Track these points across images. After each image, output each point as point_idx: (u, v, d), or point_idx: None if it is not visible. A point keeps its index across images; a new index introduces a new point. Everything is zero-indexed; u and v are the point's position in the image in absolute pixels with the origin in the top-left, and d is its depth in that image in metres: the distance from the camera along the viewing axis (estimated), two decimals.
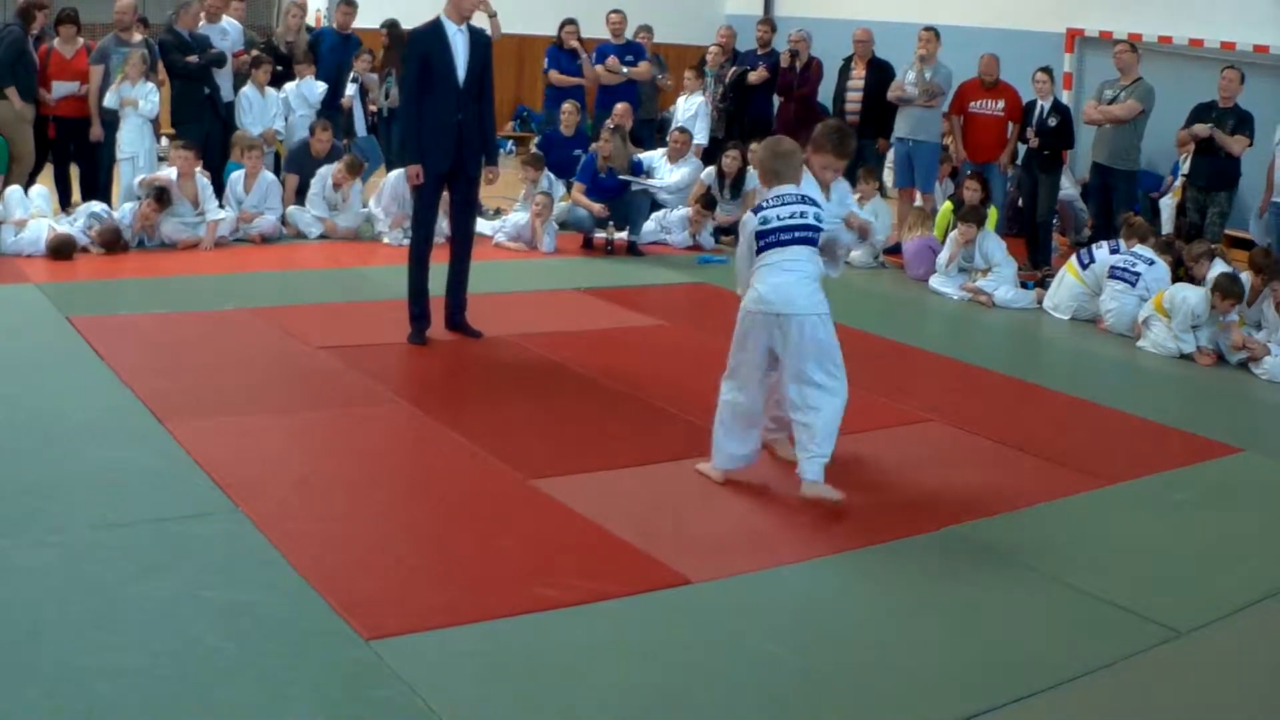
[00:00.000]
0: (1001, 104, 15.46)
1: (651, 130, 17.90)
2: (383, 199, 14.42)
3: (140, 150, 14.04)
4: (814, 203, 7.44)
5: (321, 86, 15.66)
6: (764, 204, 7.39)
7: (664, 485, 7.56)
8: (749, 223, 7.41)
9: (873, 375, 10.11)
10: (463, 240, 10.69)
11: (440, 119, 10.05)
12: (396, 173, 14.42)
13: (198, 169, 13.62)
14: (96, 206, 13.32)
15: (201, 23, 14.71)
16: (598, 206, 14.79)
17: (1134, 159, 14.44)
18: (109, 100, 13.85)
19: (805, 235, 7.34)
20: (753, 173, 15.65)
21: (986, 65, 15.51)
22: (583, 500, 7.07)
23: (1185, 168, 14.39)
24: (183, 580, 5.78)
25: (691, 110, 16.92)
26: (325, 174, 14.48)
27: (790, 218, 7.31)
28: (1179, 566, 6.84)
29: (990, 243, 13.59)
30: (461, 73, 10.03)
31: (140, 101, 13.83)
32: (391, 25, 16.58)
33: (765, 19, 19.24)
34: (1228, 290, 11.27)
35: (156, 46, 14.49)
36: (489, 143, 10.50)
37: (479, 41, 10.23)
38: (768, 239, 7.32)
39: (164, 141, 14.63)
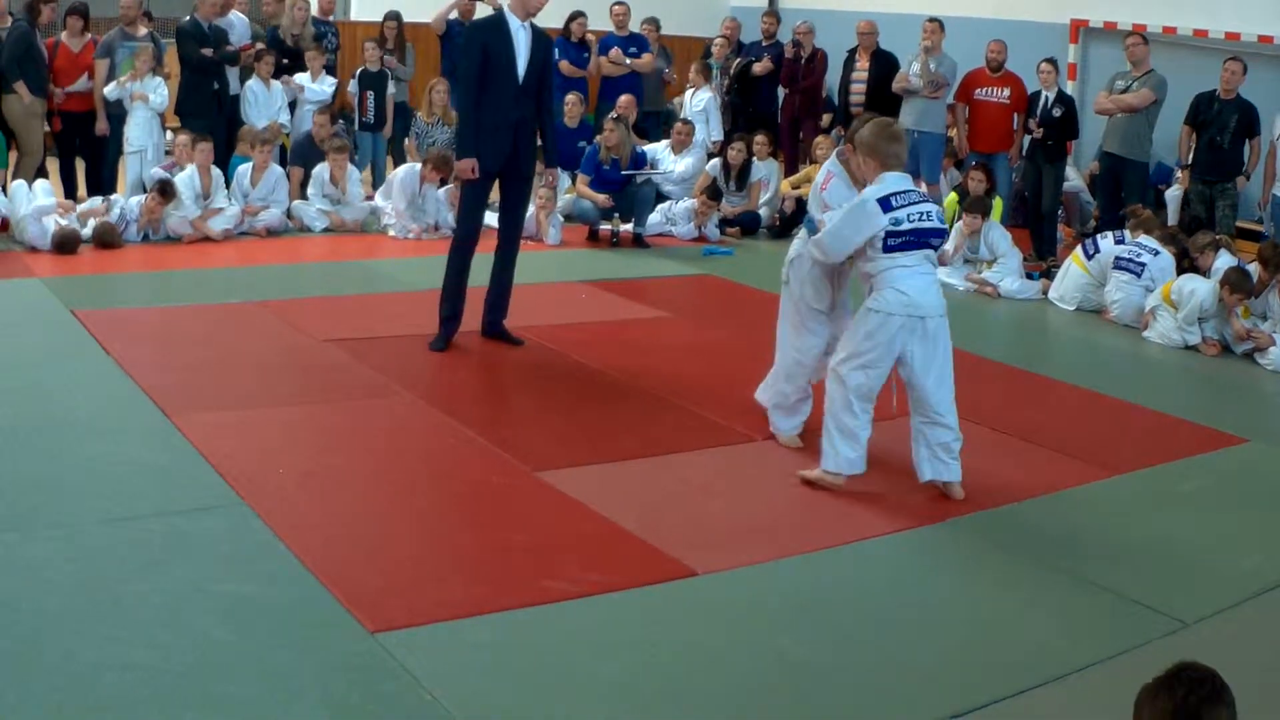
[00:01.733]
0: (1007, 91, 15.44)
1: (657, 122, 17.85)
2: (392, 193, 14.40)
3: (149, 144, 14.07)
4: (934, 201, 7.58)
5: (330, 84, 15.69)
6: (891, 201, 7.23)
7: (669, 477, 7.56)
8: (874, 217, 7.21)
9: None
10: (509, 243, 10.28)
11: (497, 115, 9.77)
12: (406, 168, 14.41)
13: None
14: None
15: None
16: (602, 198, 14.77)
17: (1145, 149, 14.41)
18: (111, 92, 13.86)
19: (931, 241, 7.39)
20: (758, 164, 15.72)
21: (994, 51, 15.49)
22: (588, 492, 7.07)
23: (1187, 159, 14.33)
24: (188, 573, 5.78)
25: (700, 106, 16.93)
26: (321, 170, 14.48)
27: (921, 219, 7.26)
28: (1185, 557, 6.84)
29: (995, 233, 13.58)
30: (522, 69, 9.74)
31: (150, 95, 13.85)
32: (395, 17, 16.60)
33: (770, 10, 19.26)
34: (1236, 285, 11.24)
35: (161, 40, 14.53)
36: (548, 143, 10.33)
37: (542, 40, 9.96)
38: (898, 240, 7.24)
39: (169, 135, 14.61)
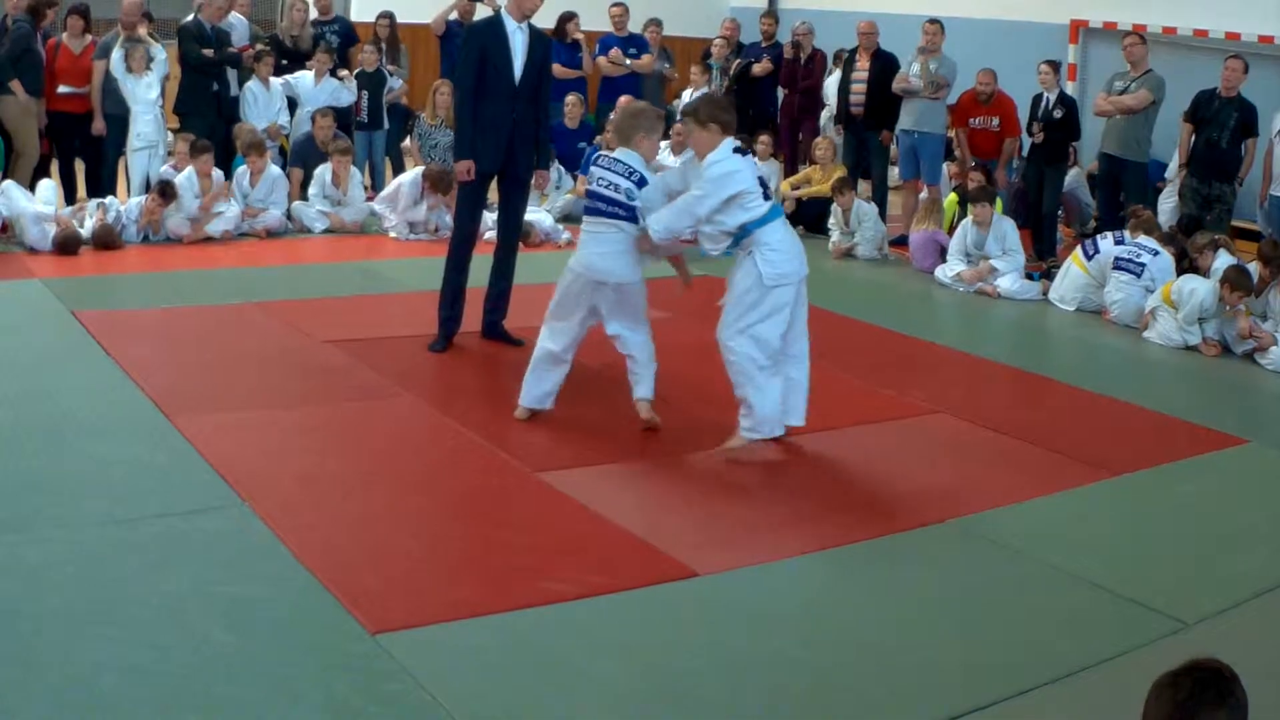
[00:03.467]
0: (996, 120, 15.41)
1: None
2: (396, 199, 14.37)
3: (158, 140, 14.11)
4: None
5: (351, 91, 15.71)
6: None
7: (669, 477, 7.57)
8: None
9: (878, 367, 10.16)
10: (508, 245, 10.27)
11: (494, 116, 9.75)
12: (411, 177, 14.37)
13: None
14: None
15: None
16: None
17: (1144, 150, 14.40)
18: (115, 65, 13.88)
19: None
20: (759, 165, 15.61)
21: (983, 82, 15.46)
22: (588, 493, 7.08)
23: (1185, 157, 14.31)
24: (189, 575, 5.79)
25: None
26: (323, 171, 14.50)
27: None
28: (1185, 558, 6.84)
29: (1006, 224, 13.57)
30: (519, 71, 9.74)
31: (149, 89, 13.92)
32: (389, 16, 16.61)
33: (769, 11, 19.32)
34: (1237, 283, 11.24)
35: (161, 41, 14.55)
36: (542, 145, 10.29)
37: (539, 41, 9.93)
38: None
39: (170, 136, 14.62)
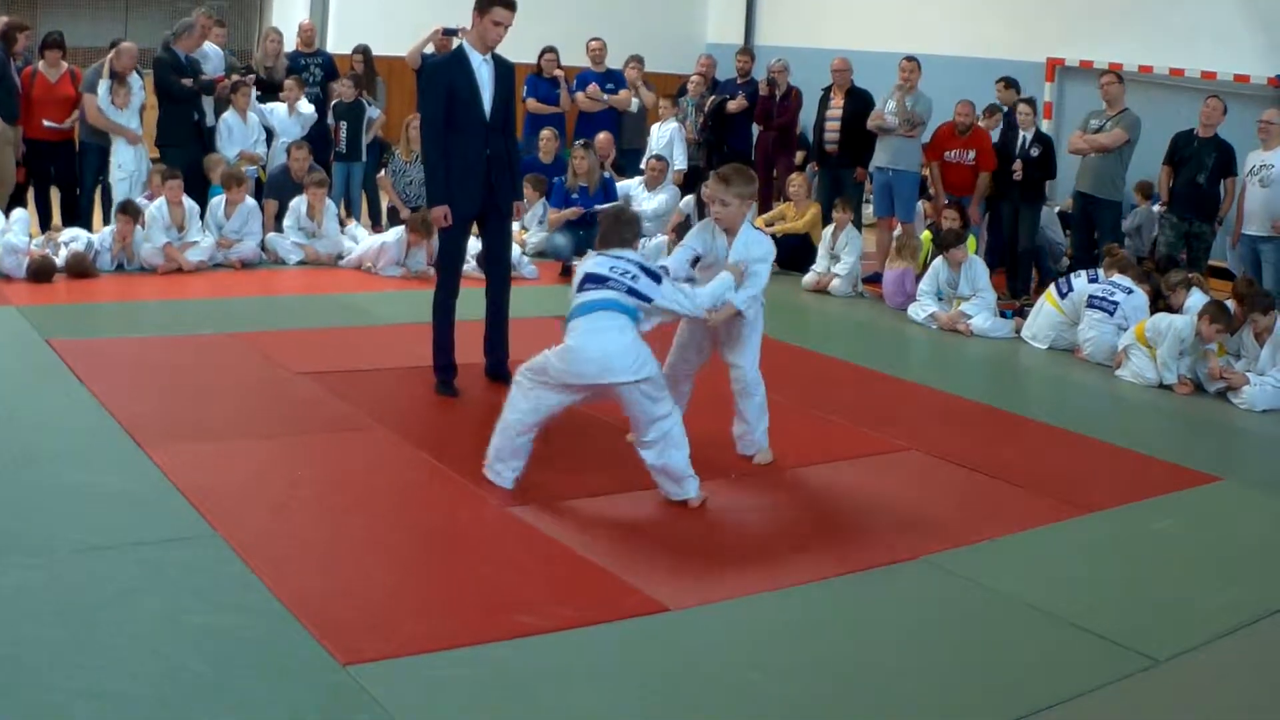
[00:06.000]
0: (973, 154, 15.46)
1: (637, 160, 17.85)
2: (379, 257, 14.33)
3: (140, 169, 14.12)
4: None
5: (309, 109, 15.74)
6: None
7: (643, 512, 7.55)
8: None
9: (852, 404, 10.18)
10: (499, 284, 9.97)
11: (467, 156, 9.41)
12: (395, 236, 14.31)
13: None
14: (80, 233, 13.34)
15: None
16: (571, 211, 14.89)
17: (1119, 188, 14.50)
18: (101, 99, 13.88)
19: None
20: None
21: (962, 114, 15.52)
22: (561, 527, 7.08)
23: (1166, 198, 14.39)
24: (162, 604, 5.77)
25: (666, 138, 16.96)
26: (299, 203, 14.50)
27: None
28: (1157, 595, 6.85)
29: (977, 266, 13.65)
30: (488, 105, 9.42)
31: (129, 120, 13.96)
32: (364, 51, 16.65)
33: (745, 49, 19.36)
34: (1216, 316, 11.27)
35: (148, 73, 14.58)
36: (515, 177, 10.07)
37: (504, 71, 9.59)
38: None
39: (149, 167, 14.62)
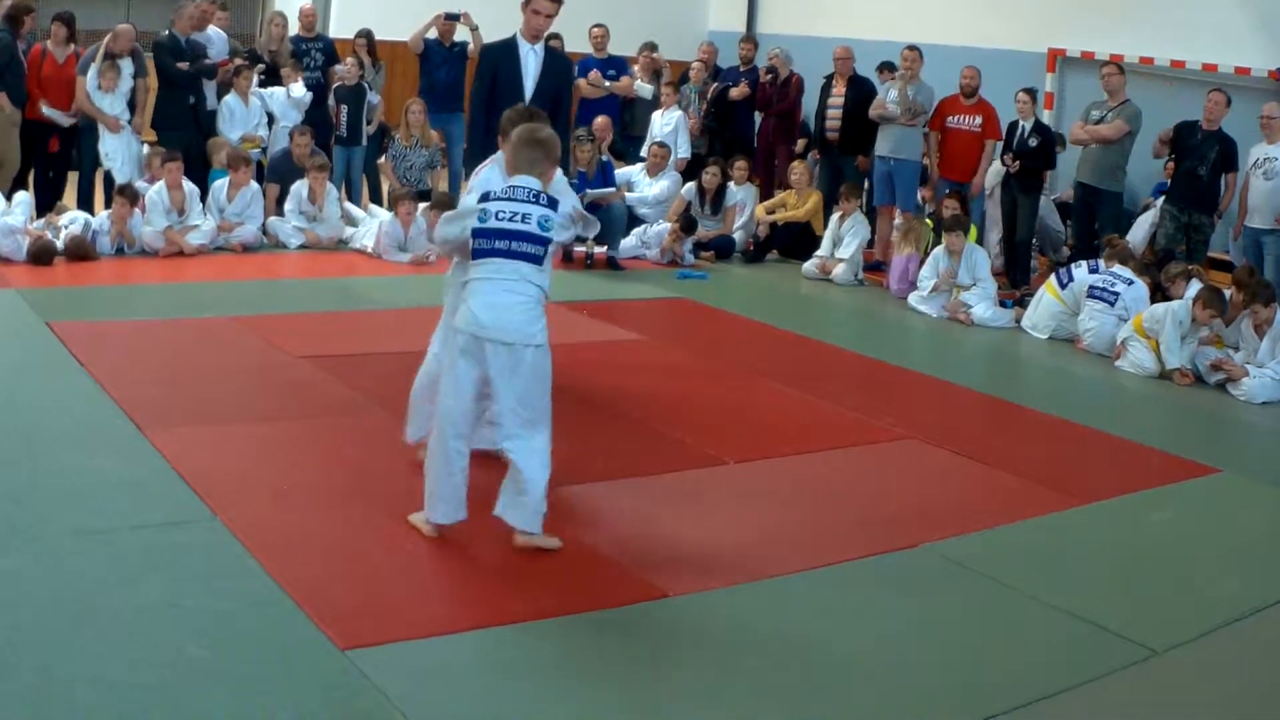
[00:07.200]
0: (979, 120, 15.43)
1: (644, 146, 17.79)
2: (379, 243, 14.31)
3: (129, 156, 14.08)
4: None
5: (301, 91, 15.71)
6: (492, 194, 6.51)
7: (640, 499, 7.56)
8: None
9: (851, 392, 10.19)
10: None
11: None
12: (388, 224, 14.30)
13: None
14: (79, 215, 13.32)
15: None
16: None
17: (1119, 179, 14.48)
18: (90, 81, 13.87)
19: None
20: (735, 188, 15.77)
21: (967, 76, 15.49)
22: (558, 513, 7.03)
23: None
24: (162, 588, 5.77)
25: (670, 125, 16.94)
26: (300, 187, 14.49)
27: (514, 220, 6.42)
28: (1156, 585, 6.86)
29: (978, 255, 13.66)
30: (529, 91, 9.72)
31: (113, 105, 13.94)
32: (367, 35, 16.61)
33: (748, 36, 19.33)
34: (1209, 301, 11.31)
35: (144, 55, 14.55)
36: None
37: (556, 63, 9.95)
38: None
39: (145, 148, 14.60)
